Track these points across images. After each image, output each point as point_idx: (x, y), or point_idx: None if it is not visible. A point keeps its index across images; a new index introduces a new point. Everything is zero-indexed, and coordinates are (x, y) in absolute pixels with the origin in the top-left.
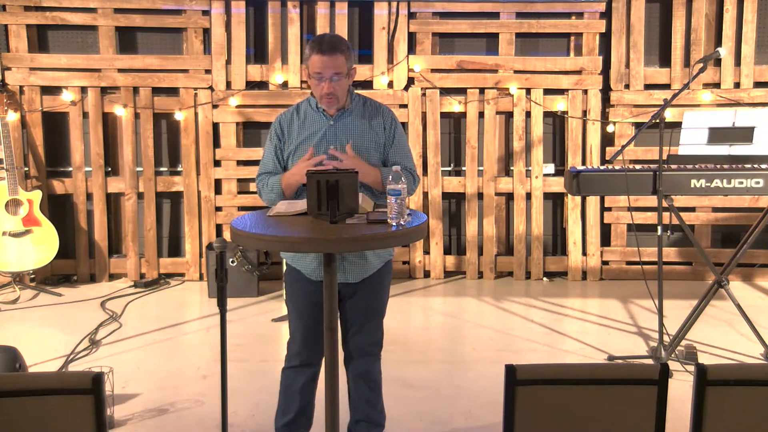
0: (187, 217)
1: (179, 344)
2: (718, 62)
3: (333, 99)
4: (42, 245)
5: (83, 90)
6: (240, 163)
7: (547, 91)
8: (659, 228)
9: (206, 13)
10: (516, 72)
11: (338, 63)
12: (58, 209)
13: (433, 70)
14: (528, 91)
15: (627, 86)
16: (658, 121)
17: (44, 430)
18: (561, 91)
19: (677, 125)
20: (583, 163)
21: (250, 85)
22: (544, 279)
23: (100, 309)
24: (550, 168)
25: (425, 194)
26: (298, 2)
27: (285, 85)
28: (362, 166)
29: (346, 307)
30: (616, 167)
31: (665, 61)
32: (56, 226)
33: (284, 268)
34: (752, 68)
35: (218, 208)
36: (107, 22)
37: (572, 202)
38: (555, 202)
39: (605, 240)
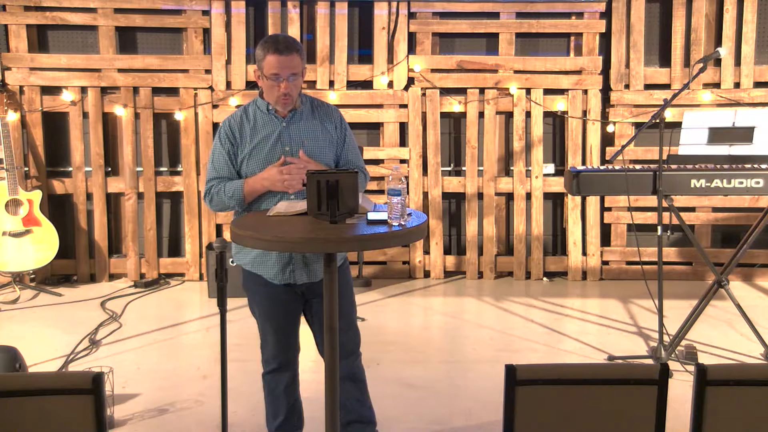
0: (187, 217)
1: (179, 344)
2: (718, 62)
3: (289, 99)
4: (42, 245)
5: (83, 90)
6: None
7: (547, 91)
8: (659, 228)
9: (206, 13)
10: (516, 72)
11: (295, 63)
12: (58, 209)
13: (433, 70)
14: (528, 91)
15: (627, 86)
16: (658, 121)
17: (44, 430)
18: (561, 91)
19: (677, 125)
20: (583, 163)
21: (250, 85)
22: (544, 279)
23: (100, 309)
24: (550, 168)
25: (425, 194)
26: (298, 2)
27: None
28: (316, 168)
29: (314, 310)
30: (616, 167)
31: (665, 61)
32: (56, 226)
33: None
34: (752, 68)
35: None
36: (107, 22)
37: (572, 202)
38: (555, 202)
39: (605, 240)
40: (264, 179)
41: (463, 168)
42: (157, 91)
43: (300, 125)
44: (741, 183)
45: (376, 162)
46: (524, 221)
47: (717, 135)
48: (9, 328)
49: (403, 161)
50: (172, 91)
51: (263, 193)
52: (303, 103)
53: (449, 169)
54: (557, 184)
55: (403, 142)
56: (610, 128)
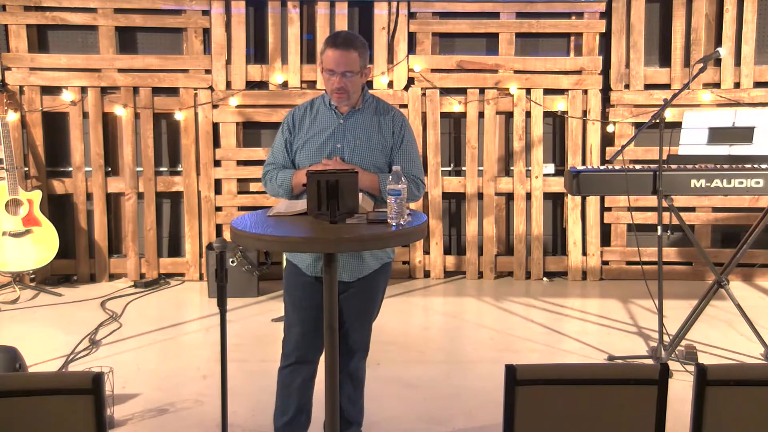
0: (187, 217)
1: (179, 344)
2: (718, 62)
3: (343, 95)
4: (42, 245)
5: (83, 90)
6: (240, 163)
7: (547, 91)
8: (659, 228)
9: (206, 13)
10: (516, 72)
11: (351, 59)
12: (58, 209)
13: (433, 70)
14: (528, 91)
15: (627, 86)
16: (658, 121)
17: (44, 430)
18: (561, 91)
19: (677, 125)
20: (583, 163)
21: (250, 85)
22: (544, 279)
23: (100, 309)
24: (550, 168)
25: (425, 194)
26: (298, 2)
27: (285, 85)
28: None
29: (339, 305)
30: (616, 167)
31: (665, 61)
32: (56, 226)
33: (284, 264)
34: (752, 68)
35: (218, 208)
36: (107, 22)
37: (572, 202)
38: (555, 202)
39: (605, 240)
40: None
41: (463, 168)
42: (157, 91)
43: (356, 124)
44: (741, 183)
45: None
46: (524, 221)
47: (717, 135)
48: (9, 328)
49: None
50: (172, 91)
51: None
52: (366, 103)
53: (449, 169)
54: (557, 184)
55: None
56: (610, 128)
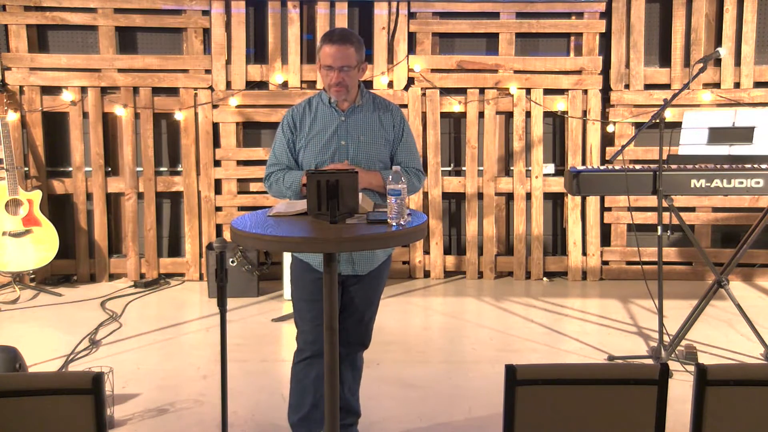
0: (187, 217)
1: (179, 344)
2: (718, 62)
3: (342, 89)
4: (42, 245)
5: (83, 90)
6: (240, 163)
7: (547, 91)
8: (659, 228)
9: (206, 13)
10: (516, 72)
11: (348, 54)
12: (58, 209)
13: (433, 70)
14: (528, 91)
15: (627, 86)
16: (658, 121)
17: (44, 430)
18: (561, 91)
19: (677, 125)
20: (583, 163)
21: (250, 85)
22: (544, 279)
23: (100, 309)
24: (550, 168)
25: (425, 194)
26: (298, 2)
27: (285, 85)
28: (362, 173)
29: (347, 296)
30: (616, 167)
31: (665, 61)
32: (56, 226)
33: (287, 262)
34: (752, 68)
35: (218, 208)
36: (107, 22)
37: (572, 202)
38: (555, 202)
39: (605, 240)
40: None
41: (463, 168)
42: (157, 91)
43: (358, 120)
44: (741, 183)
45: None
46: (524, 221)
47: (717, 135)
48: (9, 328)
49: None
50: (172, 91)
51: None
52: (364, 99)
53: (449, 169)
54: (557, 184)
55: None
56: (610, 128)
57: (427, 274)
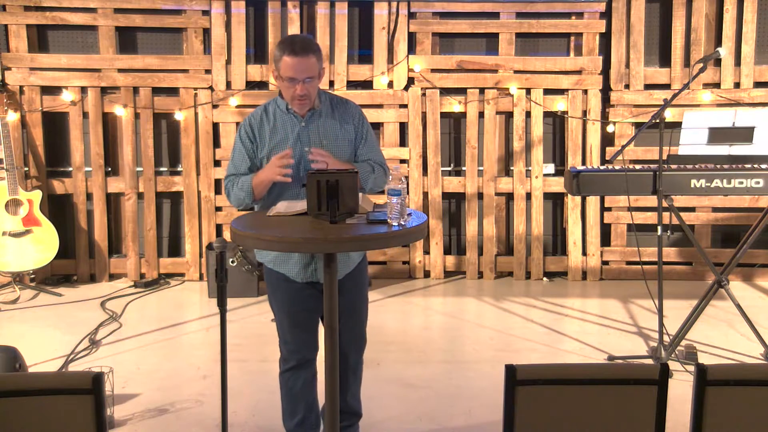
0: (187, 217)
1: (179, 344)
2: (718, 62)
3: (306, 101)
4: (42, 245)
5: (83, 90)
6: None
7: (547, 91)
8: (659, 228)
9: (206, 13)
10: (516, 72)
11: (310, 65)
12: (58, 209)
13: (433, 70)
14: (528, 91)
15: (627, 86)
16: (658, 121)
17: (44, 430)
18: (561, 91)
19: (677, 125)
20: (583, 163)
21: (250, 85)
22: (544, 279)
23: (100, 309)
24: (550, 168)
25: (425, 194)
26: (298, 2)
27: None
28: (336, 164)
29: None
30: (616, 167)
31: (665, 61)
32: (56, 226)
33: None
34: (752, 68)
35: (218, 208)
36: (107, 22)
37: (572, 202)
38: (555, 202)
39: (605, 240)
40: (264, 170)
41: (463, 168)
42: (157, 91)
43: (319, 125)
44: (741, 183)
45: None
46: (524, 221)
47: (717, 135)
48: (9, 328)
49: (403, 161)
50: (172, 91)
51: (285, 189)
52: (322, 102)
53: (449, 169)
54: (557, 184)
55: (403, 142)
56: (610, 128)
57: (427, 274)
